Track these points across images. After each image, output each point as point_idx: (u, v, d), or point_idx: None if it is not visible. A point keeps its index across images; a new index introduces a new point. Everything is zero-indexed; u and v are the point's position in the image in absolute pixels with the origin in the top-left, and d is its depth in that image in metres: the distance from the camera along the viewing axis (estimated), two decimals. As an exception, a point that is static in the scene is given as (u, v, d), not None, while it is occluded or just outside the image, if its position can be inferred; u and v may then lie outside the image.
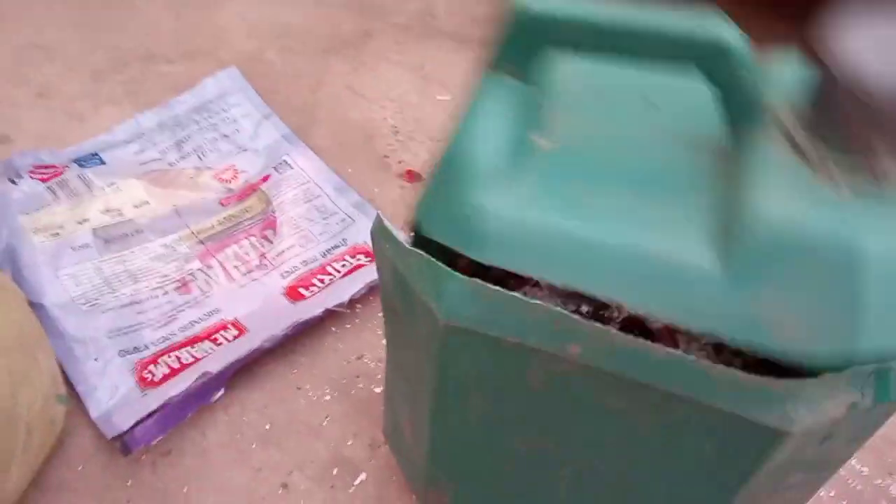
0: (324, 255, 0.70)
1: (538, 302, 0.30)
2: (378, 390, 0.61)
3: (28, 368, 0.51)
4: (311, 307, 0.63)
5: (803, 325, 0.28)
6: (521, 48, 0.34)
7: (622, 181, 0.33)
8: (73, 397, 0.57)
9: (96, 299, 0.63)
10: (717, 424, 0.31)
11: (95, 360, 0.59)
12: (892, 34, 0.30)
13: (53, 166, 0.73)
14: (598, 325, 0.30)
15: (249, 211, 0.73)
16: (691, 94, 0.36)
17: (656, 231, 0.31)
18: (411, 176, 0.80)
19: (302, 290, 0.66)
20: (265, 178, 0.76)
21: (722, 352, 0.40)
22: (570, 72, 0.38)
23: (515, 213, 0.32)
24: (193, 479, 0.55)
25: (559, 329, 0.30)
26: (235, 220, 0.72)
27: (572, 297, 0.50)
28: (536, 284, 0.53)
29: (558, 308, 0.30)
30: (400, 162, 0.82)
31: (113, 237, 0.68)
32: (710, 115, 0.34)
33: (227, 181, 0.76)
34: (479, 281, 0.31)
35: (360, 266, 0.69)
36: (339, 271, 0.68)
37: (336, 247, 0.71)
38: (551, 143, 0.35)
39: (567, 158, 0.35)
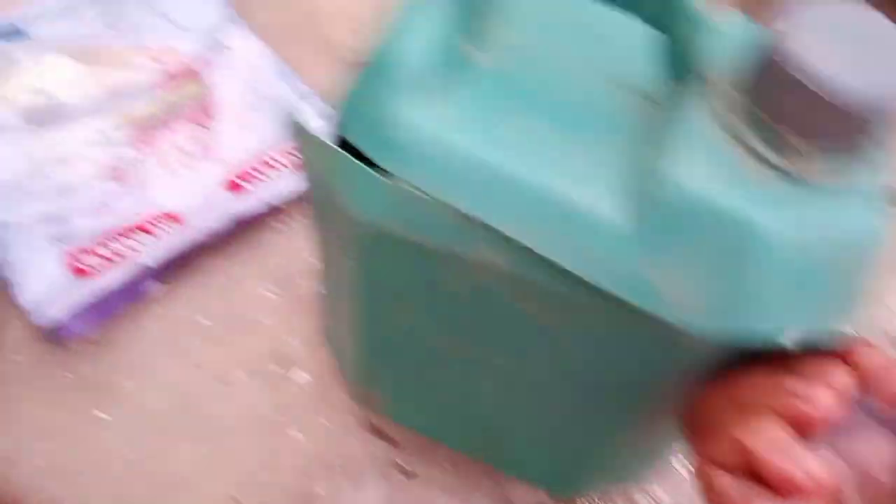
0: (265, 146, 0.69)
1: (451, 204, 0.30)
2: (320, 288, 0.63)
3: (-46, 257, 0.50)
4: (253, 202, 0.63)
5: (695, 297, 0.29)
6: None
7: (549, 115, 0.33)
8: (6, 286, 0.56)
9: (26, 184, 0.61)
10: (629, 331, 0.32)
11: (25, 246, 0.58)
12: (842, 23, 0.29)
13: (-27, 37, 0.69)
14: (515, 235, 0.30)
15: (186, 96, 0.71)
16: (639, 34, 0.36)
17: (570, 174, 0.31)
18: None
19: (242, 182, 0.66)
20: (202, 61, 0.73)
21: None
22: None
23: (433, 131, 0.32)
24: (132, 372, 0.56)
25: (474, 235, 0.31)
26: (172, 104, 0.70)
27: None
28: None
29: (475, 214, 0.31)
30: (346, 49, 0.80)
31: (42, 119, 0.66)
32: (651, 61, 0.34)
33: (162, 62, 0.73)
34: (393, 181, 0.31)
35: (304, 160, 0.68)
36: (281, 164, 0.68)
37: (279, 138, 0.70)
38: (484, 59, 0.35)
39: (498, 81, 0.34)
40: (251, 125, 0.70)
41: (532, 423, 0.44)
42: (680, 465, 0.56)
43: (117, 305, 0.56)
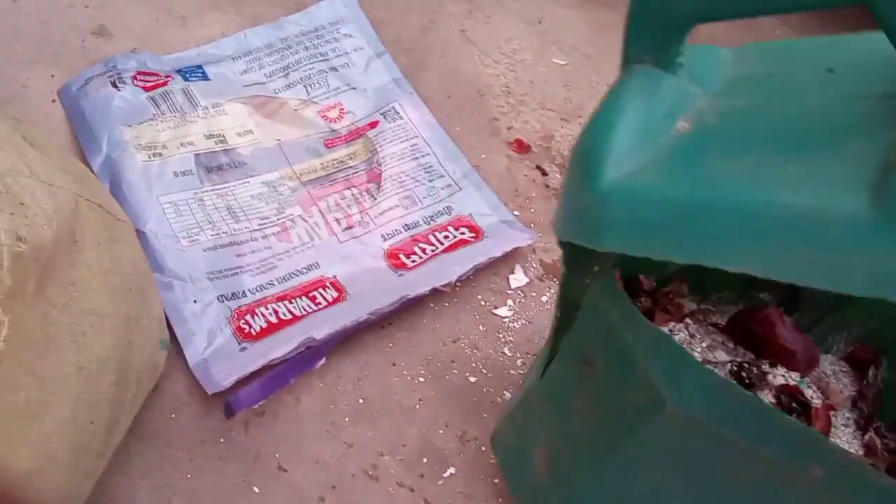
0: (427, 222, 0.68)
1: (791, 418, 0.29)
2: (472, 379, 0.61)
3: (141, 312, 0.50)
4: (416, 283, 0.62)
5: None
6: (657, 32, 0.32)
7: (768, 145, 0.30)
8: (170, 339, 0.56)
9: (197, 235, 0.61)
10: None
11: (195, 301, 0.58)
12: None
13: (156, 74, 0.70)
14: (848, 451, 0.29)
15: (354, 158, 0.71)
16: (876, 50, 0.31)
17: (798, 187, 0.26)
18: (520, 146, 0.78)
19: (403, 258, 0.65)
20: (373, 124, 0.73)
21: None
22: (730, 56, 0.35)
23: (640, 195, 0.29)
24: (285, 445, 0.54)
25: (804, 447, 0.29)
26: (339, 165, 0.70)
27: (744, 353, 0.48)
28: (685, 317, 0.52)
29: (810, 428, 0.29)
30: (510, 128, 0.79)
31: (214, 166, 0.66)
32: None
33: (332, 120, 0.73)
34: (723, 378, 0.30)
35: (463, 241, 0.67)
36: (441, 243, 0.67)
37: (440, 214, 0.69)
38: (693, 125, 0.32)
39: (708, 135, 0.31)
40: (413, 198, 0.69)
41: None
42: None
43: (286, 379, 0.55)
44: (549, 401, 0.43)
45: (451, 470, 0.56)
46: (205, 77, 0.72)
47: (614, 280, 0.34)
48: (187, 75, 0.71)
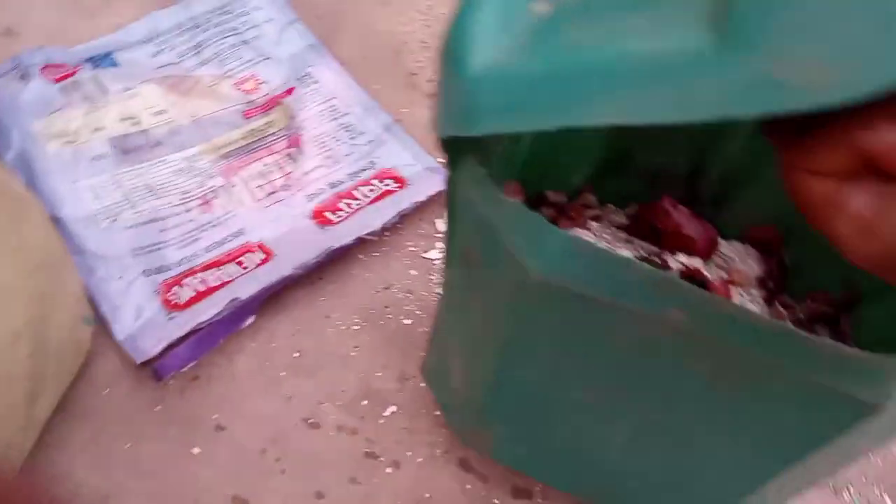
0: (351, 178, 0.68)
1: (645, 265, 0.29)
2: (407, 322, 0.61)
3: (55, 289, 0.50)
4: (342, 235, 0.62)
5: (829, 57, 0.22)
6: None
7: (619, 6, 0.29)
8: (97, 318, 0.56)
9: (117, 215, 0.61)
10: (805, 394, 0.30)
11: (119, 278, 0.57)
12: None
13: (65, 65, 0.70)
14: (703, 292, 0.29)
15: (273, 126, 0.71)
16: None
17: (645, 35, 0.27)
18: (441, 96, 0.78)
19: (328, 215, 0.65)
20: (289, 91, 0.73)
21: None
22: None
23: (506, 74, 0.29)
24: (223, 405, 0.55)
25: (663, 294, 0.29)
26: (258, 134, 0.70)
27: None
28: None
29: (665, 273, 0.29)
30: (429, 80, 0.79)
31: (130, 148, 0.66)
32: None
33: (248, 92, 0.73)
34: (580, 238, 0.30)
35: (388, 192, 0.67)
36: (367, 196, 0.67)
37: (364, 169, 0.69)
38: (548, 5, 0.32)
39: (566, 11, 0.31)
40: (336, 157, 0.69)
41: (666, 471, 0.42)
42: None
43: (213, 340, 0.55)
44: (450, 311, 0.43)
45: (392, 408, 0.56)
46: (114, 63, 0.72)
47: (476, 165, 0.34)
48: (96, 63, 0.71)
